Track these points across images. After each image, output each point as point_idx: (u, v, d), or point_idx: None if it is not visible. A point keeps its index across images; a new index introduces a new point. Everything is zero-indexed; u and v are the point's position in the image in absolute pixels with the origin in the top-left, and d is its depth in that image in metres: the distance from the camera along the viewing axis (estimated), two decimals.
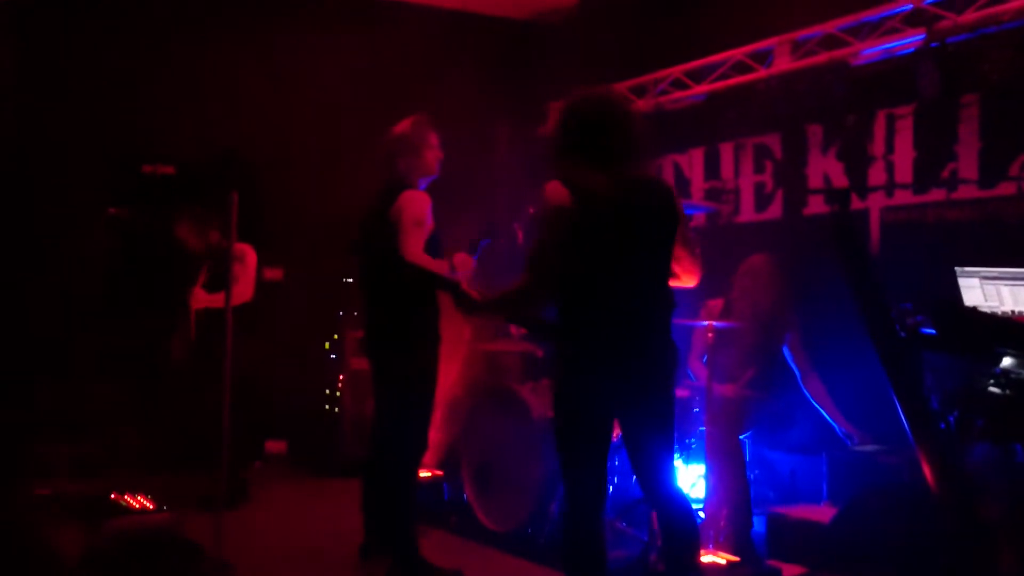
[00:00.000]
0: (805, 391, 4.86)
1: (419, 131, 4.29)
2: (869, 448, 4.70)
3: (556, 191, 3.03)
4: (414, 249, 4.07)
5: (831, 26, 5.48)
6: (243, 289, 5.68)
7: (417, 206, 4.12)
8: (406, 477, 4.27)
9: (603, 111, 3.12)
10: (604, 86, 3.29)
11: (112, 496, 4.52)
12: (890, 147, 5.29)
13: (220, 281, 5.59)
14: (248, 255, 5.79)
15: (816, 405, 4.85)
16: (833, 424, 4.83)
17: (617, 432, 3.23)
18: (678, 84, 6.52)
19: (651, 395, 3.10)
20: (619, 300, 3.05)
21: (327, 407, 6.88)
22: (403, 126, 4.30)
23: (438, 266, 4.14)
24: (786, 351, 4.87)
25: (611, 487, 4.46)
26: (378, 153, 4.31)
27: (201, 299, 5.74)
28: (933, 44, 4.83)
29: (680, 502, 3.15)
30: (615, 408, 3.12)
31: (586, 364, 3.04)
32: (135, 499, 4.46)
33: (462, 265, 4.19)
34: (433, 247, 4.19)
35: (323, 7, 6.62)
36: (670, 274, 3.20)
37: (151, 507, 4.35)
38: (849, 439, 4.78)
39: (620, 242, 3.06)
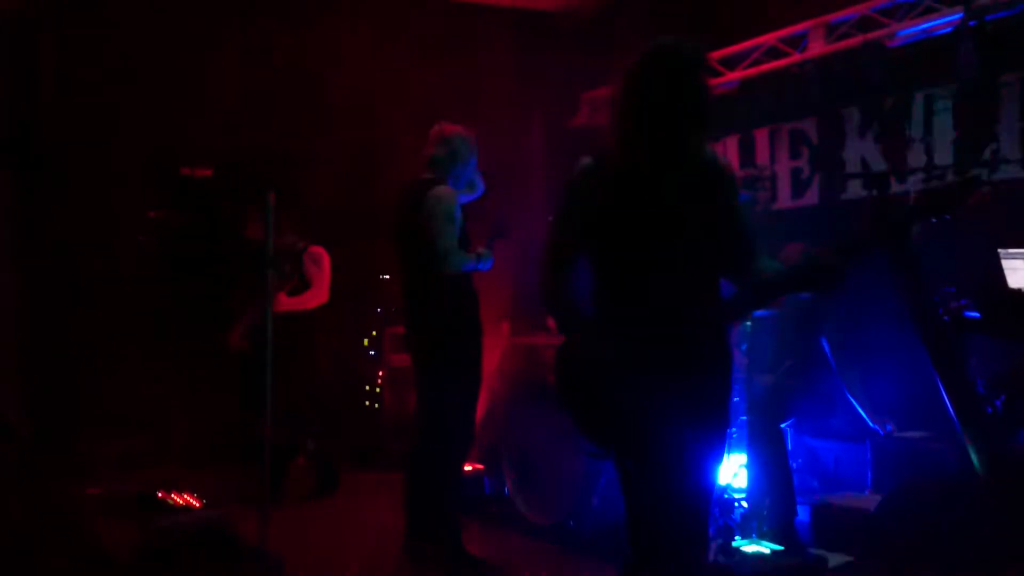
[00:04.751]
0: (841, 383, 4.81)
1: (466, 148, 4.34)
2: (914, 435, 4.64)
3: None
4: (447, 246, 4.09)
5: (866, 7, 5.41)
6: (319, 291, 5.81)
7: (446, 203, 4.14)
8: (452, 471, 4.29)
9: None
10: None
11: (159, 494, 4.60)
12: (929, 129, 5.21)
13: (301, 285, 5.78)
14: (323, 258, 5.88)
15: (850, 398, 4.80)
16: (866, 418, 4.78)
17: None
18: (711, 72, 6.47)
19: None
20: None
21: (367, 403, 6.93)
22: (450, 137, 4.33)
23: (470, 259, 4.18)
24: (824, 342, 4.82)
25: None
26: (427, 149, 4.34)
27: (284, 303, 5.80)
28: (971, 22, 4.75)
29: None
30: None
31: None
32: (181, 496, 4.52)
33: (486, 257, 4.26)
34: (464, 241, 4.22)
35: (357, 4, 6.64)
36: None
37: (197, 504, 4.41)
38: (881, 428, 4.73)
39: None
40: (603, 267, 2.58)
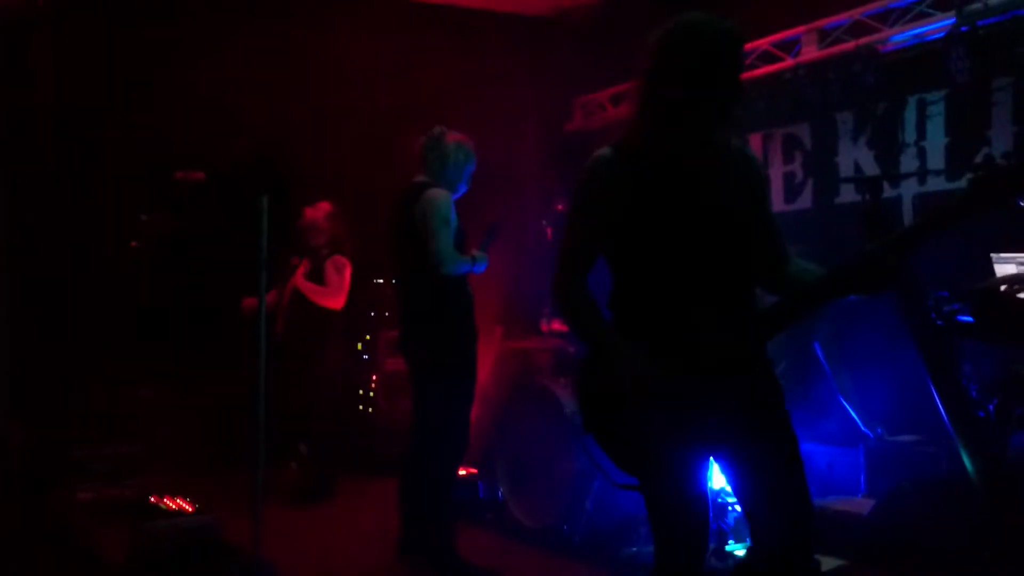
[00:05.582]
0: (834, 386, 4.81)
1: (460, 154, 4.33)
2: (907, 439, 4.65)
3: None
4: (443, 248, 4.09)
5: (858, 13, 5.42)
6: (334, 292, 5.94)
7: (440, 205, 4.15)
8: (445, 475, 4.28)
9: None
10: None
11: (151, 499, 4.58)
12: (922, 133, 5.23)
13: (316, 276, 5.96)
14: (346, 267, 6.02)
15: (844, 403, 4.80)
16: (858, 421, 4.78)
17: None
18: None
19: None
20: None
21: (360, 407, 6.92)
22: (443, 141, 4.33)
23: (466, 262, 4.19)
24: (816, 347, 4.83)
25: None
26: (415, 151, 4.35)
27: (300, 283, 5.95)
28: (963, 28, 4.76)
29: None
30: None
31: None
32: (174, 501, 4.51)
33: (480, 260, 4.27)
34: (459, 243, 4.22)
35: (353, 8, 6.65)
36: None
37: (189, 509, 4.40)
38: (871, 432, 4.75)
39: None
40: (630, 269, 2.25)
